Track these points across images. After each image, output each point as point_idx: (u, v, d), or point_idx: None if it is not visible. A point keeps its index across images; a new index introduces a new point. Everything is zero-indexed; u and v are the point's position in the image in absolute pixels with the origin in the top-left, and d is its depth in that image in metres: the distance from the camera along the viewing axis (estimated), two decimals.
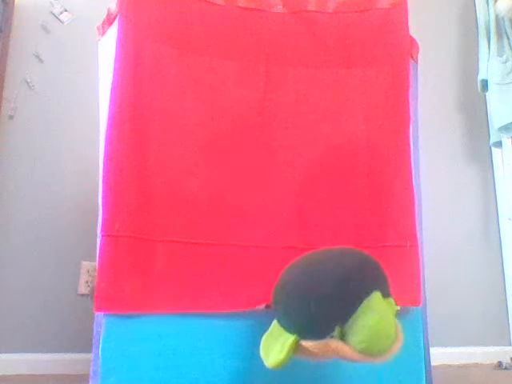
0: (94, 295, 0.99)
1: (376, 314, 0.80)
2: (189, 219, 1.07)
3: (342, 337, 0.81)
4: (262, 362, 0.87)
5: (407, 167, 1.16)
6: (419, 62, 1.36)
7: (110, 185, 1.03)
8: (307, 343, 0.83)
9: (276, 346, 0.85)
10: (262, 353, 0.87)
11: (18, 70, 1.82)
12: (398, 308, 0.88)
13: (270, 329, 0.89)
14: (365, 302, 0.80)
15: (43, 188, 1.76)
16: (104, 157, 1.05)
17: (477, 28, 2.23)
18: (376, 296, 0.81)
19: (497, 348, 1.98)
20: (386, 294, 0.84)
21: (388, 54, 1.22)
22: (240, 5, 1.19)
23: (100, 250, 1.00)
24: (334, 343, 0.81)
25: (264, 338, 0.89)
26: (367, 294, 0.81)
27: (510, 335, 2.03)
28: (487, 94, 2.15)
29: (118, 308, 0.98)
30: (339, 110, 1.19)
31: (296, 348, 0.84)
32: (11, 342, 1.63)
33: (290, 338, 0.83)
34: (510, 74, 2.01)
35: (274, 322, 0.88)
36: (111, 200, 1.03)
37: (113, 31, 1.15)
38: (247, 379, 1.01)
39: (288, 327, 0.85)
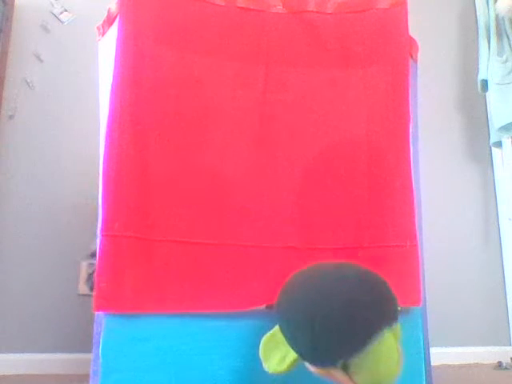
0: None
1: (382, 357, 0.79)
2: (188, 219, 1.06)
3: (345, 368, 0.80)
4: (262, 363, 0.87)
5: (407, 167, 1.16)
6: (419, 61, 1.36)
7: (110, 185, 1.03)
8: (309, 366, 0.84)
9: (277, 352, 0.85)
10: (261, 353, 0.87)
11: (18, 70, 1.82)
12: (399, 308, 0.87)
13: (272, 331, 0.89)
14: (373, 343, 0.78)
15: (43, 188, 1.76)
16: (104, 156, 1.05)
17: (477, 28, 2.23)
18: (385, 336, 0.79)
19: (497, 348, 1.98)
20: (393, 322, 0.82)
21: (388, 54, 1.22)
22: (240, 5, 1.19)
23: (99, 249, 1.01)
24: (336, 373, 0.80)
25: (265, 339, 0.88)
26: (376, 333, 0.78)
27: (510, 335, 2.03)
28: (487, 93, 2.15)
29: (117, 308, 0.98)
30: (339, 110, 1.19)
31: (297, 363, 0.84)
32: (11, 342, 1.64)
33: (292, 355, 0.83)
34: (510, 73, 2.01)
35: (277, 327, 0.88)
36: (111, 200, 1.03)
37: (113, 31, 1.15)
38: (247, 379, 1.01)
39: (292, 348, 0.84)
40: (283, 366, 0.83)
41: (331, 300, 0.80)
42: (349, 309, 0.79)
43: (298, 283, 0.87)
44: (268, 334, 0.89)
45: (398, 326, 0.84)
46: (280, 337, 0.86)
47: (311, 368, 0.84)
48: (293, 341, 0.84)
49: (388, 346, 0.80)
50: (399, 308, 0.84)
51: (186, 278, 1.03)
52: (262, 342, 0.88)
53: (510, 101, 1.97)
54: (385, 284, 0.85)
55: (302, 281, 0.87)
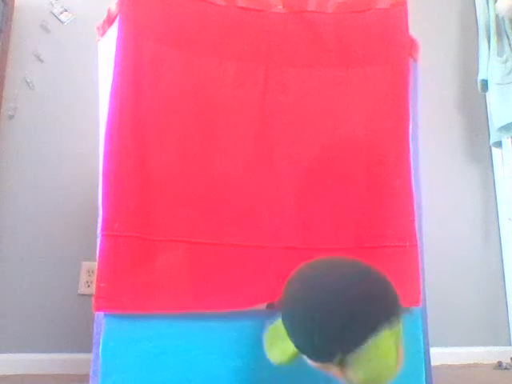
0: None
1: (379, 355, 0.79)
2: (189, 219, 1.06)
3: (343, 363, 0.81)
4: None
5: (407, 167, 1.16)
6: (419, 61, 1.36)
7: (110, 184, 1.03)
8: (307, 359, 0.85)
9: (278, 344, 0.87)
10: (265, 344, 0.90)
11: (18, 70, 1.82)
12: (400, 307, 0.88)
13: (275, 323, 0.90)
14: (371, 340, 0.78)
15: (43, 188, 1.76)
16: (104, 156, 1.05)
17: (477, 28, 2.23)
18: (384, 335, 0.79)
19: (497, 348, 1.98)
20: (394, 322, 0.82)
21: (388, 53, 1.22)
22: (240, 5, 1.19)
23: (100, 249, 1.00)
24: (334, 368, 0.82)
25: (268, 330, 0.91)
26: (374, 331, 0.79)
27: (510, 335, 2.03)
28: (487, 93, 2.15)
29: (117, 308, 0.98)
30: (339, 110, 1.19)
31: (298, 355, 0.85)
32: (11, 342, 1.63)
33: (291, 347, 0.85)
34: (510, 73, 2.01)
35: (280, 320, 0.89)
36: (111, 199, 1.03)
37: (113, 31, 1.15)
38: (247, 379, 1.01)
39: (292, 341, 0.85)
40: (284, 358, 0.85)
41: (332, 297, 0.81)
42: (348, 306, 0.80)
43: (301, 279, 0.88)
44: (271, 326, 0.90)
45: (399, 325, 0.84)
46: (281, 329, 0.87)
47: (309, 361, 0.85)
48: (293, 335, 0.85)
49: (386, 344, 0.80)
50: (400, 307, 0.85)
51: (186, 277, 1.03)
52: (265, 333, 0.90)
53: (510, 101, 1.97)
54: (386, 281, 0.85)
55: (305, 277, 0.88)
